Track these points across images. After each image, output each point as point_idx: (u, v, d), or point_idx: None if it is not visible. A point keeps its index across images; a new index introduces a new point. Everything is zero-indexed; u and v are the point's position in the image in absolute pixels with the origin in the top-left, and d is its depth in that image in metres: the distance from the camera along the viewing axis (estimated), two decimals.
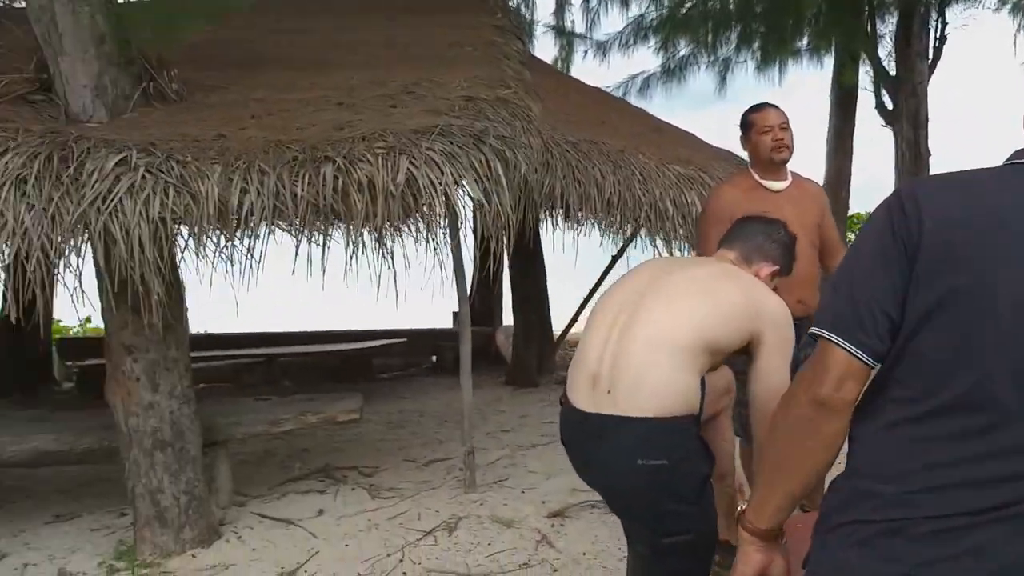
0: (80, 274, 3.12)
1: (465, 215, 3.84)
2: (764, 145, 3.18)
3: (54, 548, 3.80)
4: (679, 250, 5.11)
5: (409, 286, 3.56)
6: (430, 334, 8.65)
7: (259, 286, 3.37)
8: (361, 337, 8.31)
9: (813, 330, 1.22)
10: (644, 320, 1.88)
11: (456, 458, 4.93)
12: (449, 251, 3.70)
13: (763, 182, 3.23)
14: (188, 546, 3.63)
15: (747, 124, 3.26)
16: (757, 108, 3.27)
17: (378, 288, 3.31)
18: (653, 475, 1.77)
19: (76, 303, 3.13)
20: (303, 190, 3.17)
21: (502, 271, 8.52)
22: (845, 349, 1.17)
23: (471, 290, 7.85)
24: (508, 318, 8.97)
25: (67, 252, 3.02)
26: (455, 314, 9.19)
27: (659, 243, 5.01)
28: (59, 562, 3.64)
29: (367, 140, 3.38)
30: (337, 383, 7.60)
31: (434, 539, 3.65)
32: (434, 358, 8.64)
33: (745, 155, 3.39)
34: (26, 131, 3.24)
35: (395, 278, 3.34)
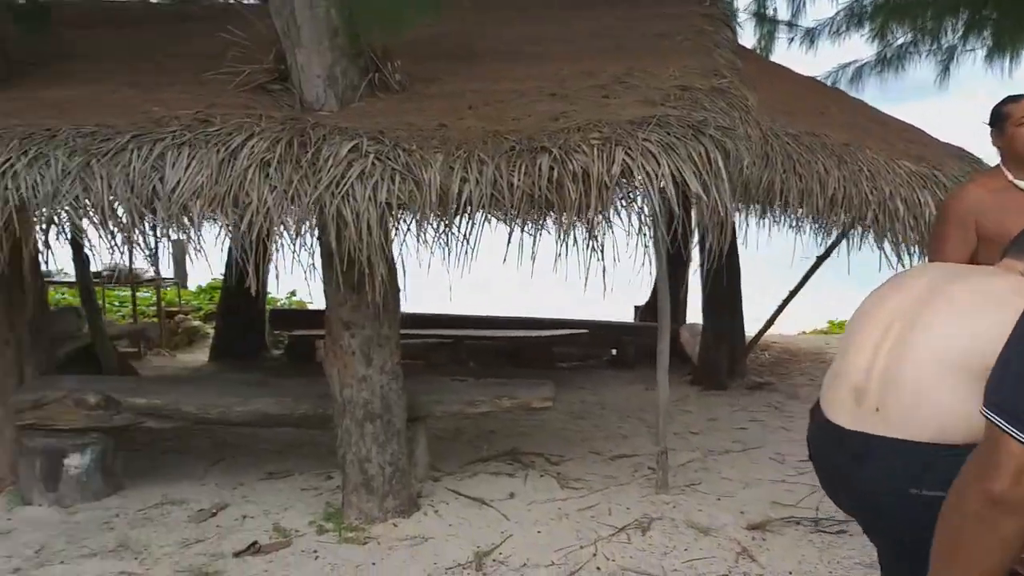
0: (313, 252, 3.35)
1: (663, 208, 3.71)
2: (1021, 140, 2.81)
3: (269, 504, 4.13)
4: (908, 254, 4.70)
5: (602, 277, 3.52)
6: (611, 327, 8.58)
7: (471, 272, 3.45)
8: (543, 325, 8.39)
9: (983, 411, 1.06)
10: (925, 333, 1.68)
11: (643, 455, 4.85)
12: (654, 245, 3.61)
13: (1017, 182, 2.86)
14: (390, 515, 3.81)
15: (1001, 116, 2.90)
16: (1015, 99, 2.90)
17: (586, 279, 3.29)
18: (929, 508, 1.58)
19: (309, 279, 3.36)
20: (519, 180, 3.19)
21: (689, 266, 8.28)
22: (1021, 442, 1.00)
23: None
24: (691, 315, 8.73)
25: (303, 231, 3.23)
26: (637, 308, 9.07)
27: (887, 246, 4.61)
28: (273, 517, 3.95)
29: (582, 131, 3.35)
30: (518, 368, 7.74)
31: (627, 537, 3.60)
32: (614, 351, 8.56)
33: (985, 152, 3.02)
34: (269, 118, 3.50)
35: (603, 271, 3.30)
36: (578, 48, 4.85)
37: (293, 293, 12.63)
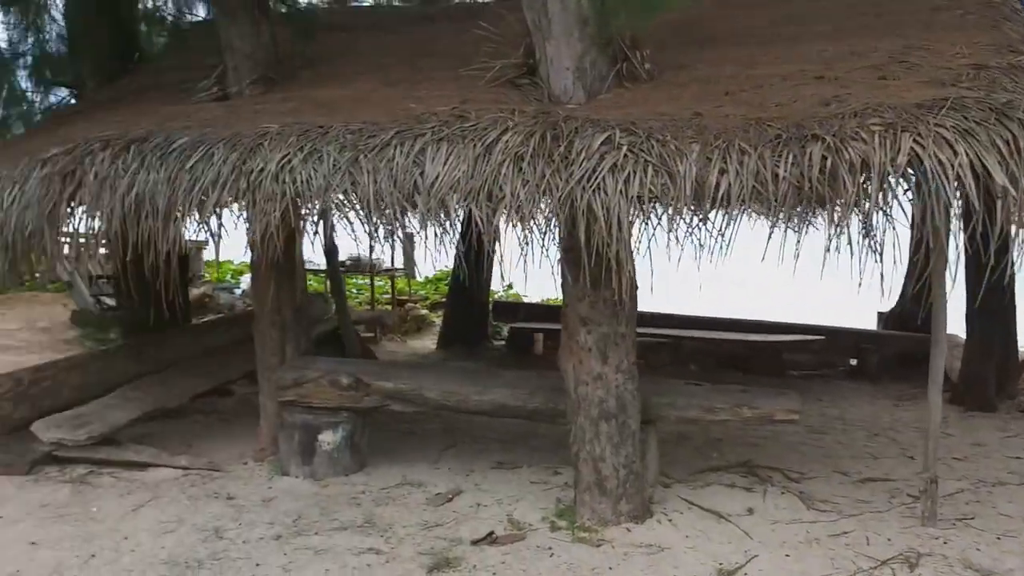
0: (565, 246, 3.30)
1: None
2: None
3: (500, 494, 4.18)
4: None
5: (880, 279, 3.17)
6: (851, 334, 7.88)
7: (723, 269, 3.24)
8: (774, 329, 7.89)
9: None
10: None
11: (898, 480, 4.37)
12: (946, 244, 3.18)
13: None
14: (623, 519, 3.70)
15: None
16: None
17: (860, 280, 2.95)
18: None
19: (555, 274, 3.32)
20: (786, 171, 2.93)
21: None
22: None
23: (913, 289, 6.90)
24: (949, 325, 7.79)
25: (552, 226, 3.19)
26: (881, 315, 8.27)
27: None
28: (506, 508, 3.98)
29: (859, 116, 3.02)
30: (743, 374, 7.32)
31: (891, 572, 3.22)
32: (853, 361, 7.85)
33: None
34: (521, 112, 3.50)
35: (882, 271, 2.95)
36: (839, 26, 4.44)
37: (510, 286, 12.98)
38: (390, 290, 11.23)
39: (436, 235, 3.39)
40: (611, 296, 3.51)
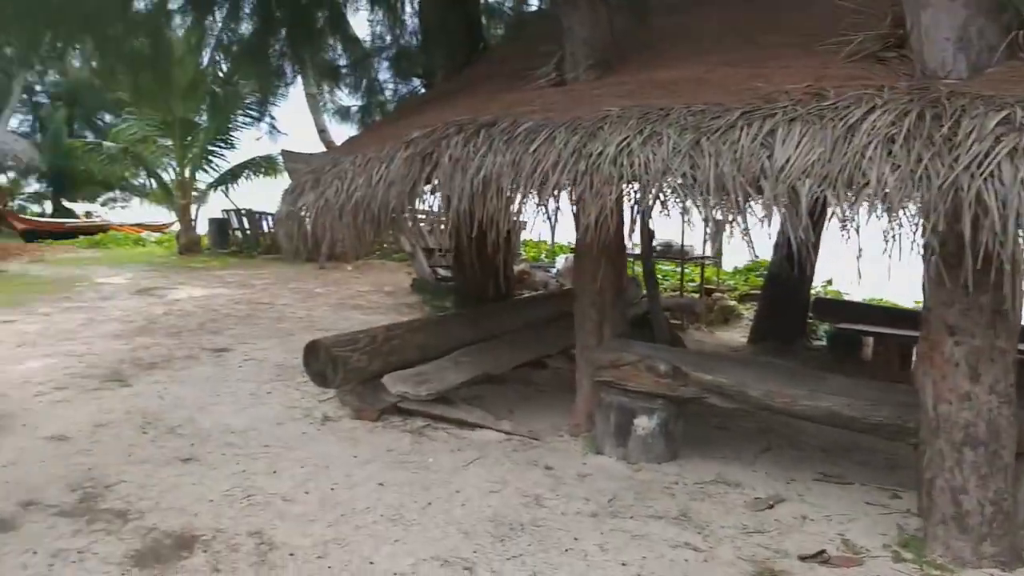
0: (941, 242, 2.87)
1: None
2: None
3: (829, 509, 3.82)
4: None
5: None
6: None
7: None
8: None
9: None
10: None
11: None
12: None
13: None
14: (986, 563, 3.19)
15: None
16: None
17: None
18: None
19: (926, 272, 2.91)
20: None
21: None
22: None
23: None
24: None
25: (932, 218, 2.77)
26: None
27: None
28: (836, 526, 3.63)
29: None
30: None
31: None
32: None
33: None
34: (892, 88, 3.10)
35: None
36: None
37: (829, 282, 11.98)
38: (698, 278, 10.95)
39: (782, 223, 3.14)
40: (991, 304, 3.00)
